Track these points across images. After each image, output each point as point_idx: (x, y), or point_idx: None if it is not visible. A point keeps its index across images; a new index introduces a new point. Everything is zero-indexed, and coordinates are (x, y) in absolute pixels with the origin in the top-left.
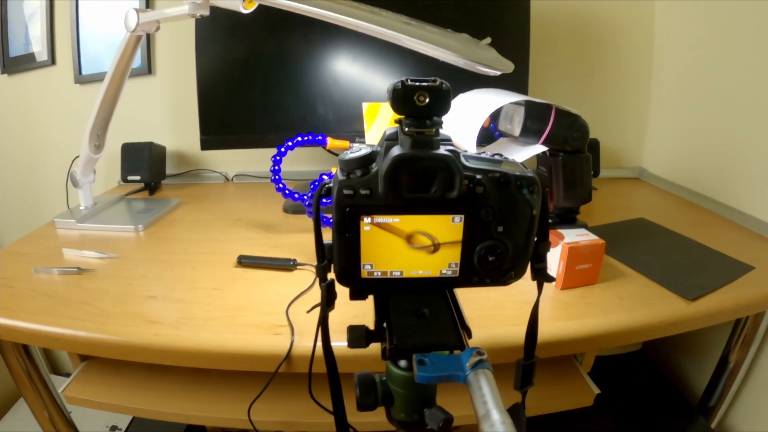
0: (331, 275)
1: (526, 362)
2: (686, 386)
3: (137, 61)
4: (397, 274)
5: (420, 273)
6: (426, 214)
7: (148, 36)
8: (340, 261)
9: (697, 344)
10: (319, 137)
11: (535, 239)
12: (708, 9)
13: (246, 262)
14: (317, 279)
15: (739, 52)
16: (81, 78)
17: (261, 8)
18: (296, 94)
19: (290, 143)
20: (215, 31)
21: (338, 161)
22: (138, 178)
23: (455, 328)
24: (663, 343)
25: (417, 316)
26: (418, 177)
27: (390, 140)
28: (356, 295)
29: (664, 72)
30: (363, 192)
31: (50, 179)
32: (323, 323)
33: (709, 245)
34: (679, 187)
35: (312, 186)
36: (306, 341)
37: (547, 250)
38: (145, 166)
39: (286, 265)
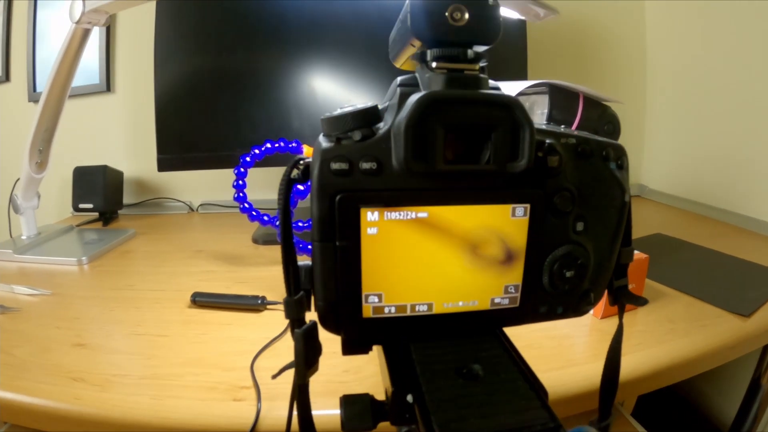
0: (312, 315)
1: (603, 423)
2: (713, 413)
3: (94, 77)
4: (422, 309)
5: (460, 305)
6: (470, 202)
7: (108, 48)
8: (326, 292)
9: (721, 368)
10: (293, 144)
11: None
12: (699, 16)
13: (202, 301)
14: (289, 323)
15: (732, 58)
16: (35, 96)
17: (229, 16)
18: (268, 106)
19: (257, 151)
20: (177, 38)
21: (321, 122)
22: (91, 206)
23: (536, 395)
24: None
25: (465, 377)
26: (461, 136)
27: (406, 86)
28: (354, 346)
29: (658, 86)
30: (365, 166)
31: None
32: (301, 395)
33: (737, 256)
34: (684, 201)
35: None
36: (278, 409)
37: (631, 258)
38: (99, 192)
39: (253, 304)
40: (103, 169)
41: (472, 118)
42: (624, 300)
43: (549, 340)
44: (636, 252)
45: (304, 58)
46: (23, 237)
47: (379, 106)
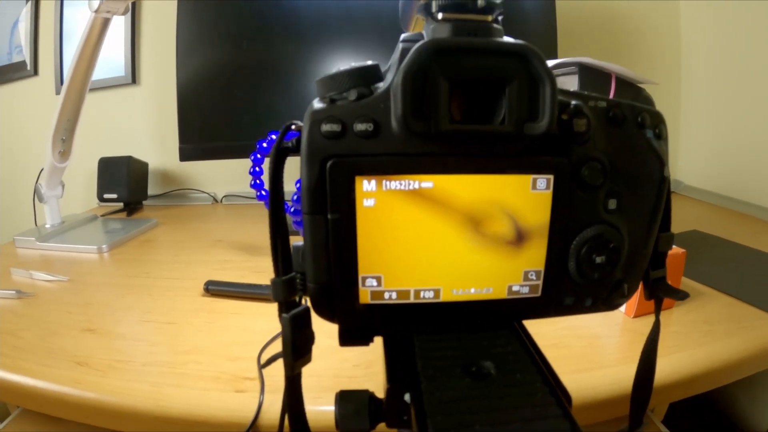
0: (305, 300)
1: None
2: (746, 424)
3: (120, 70)
4: (428, 296)
5: (472, 293)
6: (483, 172)
7: (133, 41)
8: (317, 271)
9: (755, 378)
10: None
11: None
12: (736, 5)
13: (214, 289)
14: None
15: None
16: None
17: (248, 8)
18: (287, 95)
19: (274, 136)
20: (199, 30)
21: (316, 83)
22: (115, 196)
23: (556, 400)
24: None
25: (472, 375)
26: (470, 91)
27: (409, 42)
28: (351, 336)
29: (694, 77)
30: (361, 127)
31: (26, 195)
32: (290, 388)
33: None
34: (722, 197)
35: (297, 186)
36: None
37: (670, 246)
38: (123, 183)
39: (265, 293)
40: (128, 160)
41: (481, 69)
42: (662, 293)
43: (577, 339)
44: (673, 247)
45: (322, 48)
46: (47, 225)
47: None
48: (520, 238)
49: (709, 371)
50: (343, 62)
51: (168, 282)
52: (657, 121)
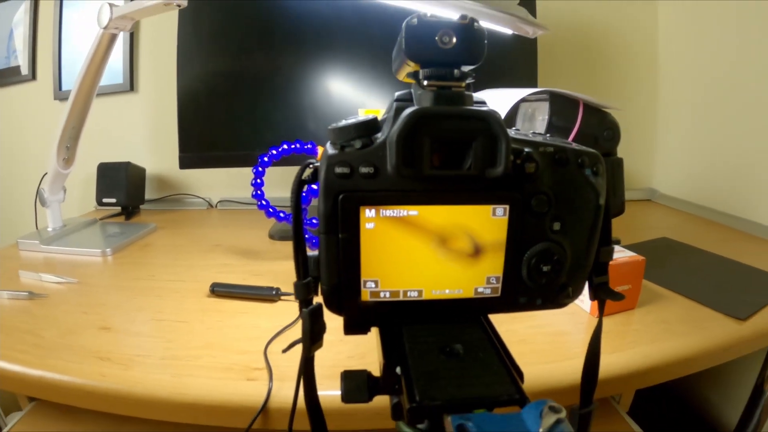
0: (318, 299)
1: (584, 410)
2: (716, 419)
3: (118, 77)
4: (413, 295)
5: (447, 293)
6: (455, 203)
7: (132, 50)
8: (329, 276)
9: (724, 372)
10: (309, 145)
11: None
12: (711, 21)
13: (220, 291)
14: (299, 305)
15: (745, 65)
16: (61, 94)
17: (248, 21)
18: (285, 107)
19: (274, 151)
20: (199, 43)
21: (328, 132)
22: (114, 200)
23: (507, 372)
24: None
25: (446, 354)
26: (445, 145)
27: (401, 101)
28: (354, 326)
29: (670, 88)
30: (364, 170)
31: (24, 198)
32: (306, 367)
33: (741, 261)
34: (695, 206)
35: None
36: (288, 389)
37: (610, 257)
38: (122, 188)
39: (268, 294)
40: (126, 166)
41: (454, 130)
42: (602, 295)
43: (544, 336)
44: (633, 254)
45: (320, 62)
46: (49, 229)
47: (379, 118)
48: (476, 251)
49: (664, 364)
50: (335, 78)
51: (174, 284)
52: (595, 161)
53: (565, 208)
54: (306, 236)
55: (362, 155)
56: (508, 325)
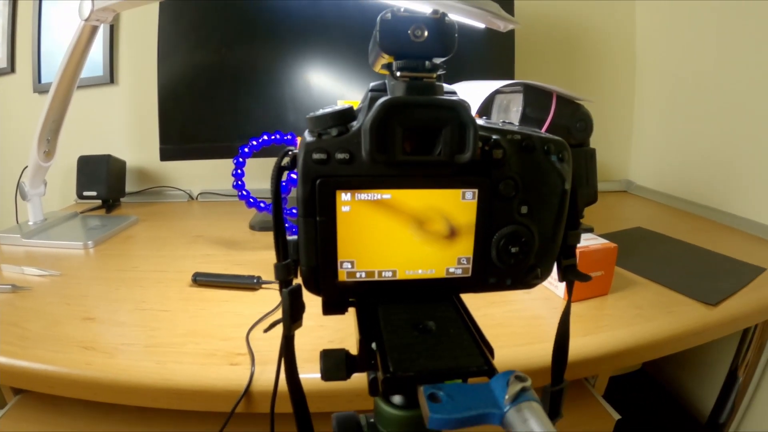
0: (297, 281)
1: (555, 388)
2: (692, 404)
3: (98, 69)
4: (387, 275)
5: (420, 273)
6: (426, 187)
7: (112, 42)
8: (308, 258)
9: (700, 359)
10: (288, 136)
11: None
12: (688, 15)
13: (202, 280)
14: (279, 286)
15: (720, 60)
16: (40, 87)
17: (229, 13)
18: (265, 99)
19: (254, 142)
20: (179, 35)
21: (306, 120)
22: (94, 193)
23: (476, 345)
24: (664, 359)
25: (419, 330)
26: (416, 133)
27: (376, 91)
28: (332, 306)
29: (647, 83)
30: (340, 156)
31: (4, 192)
32: (287, 346)
33: (713, 250)
34: (669, 197)
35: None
36: (270, 372)
37: (578, 241)
38: (103, 181)
39: (249, 283)
40: (107, 158)
41: (425, 119)
42: (571, 277)
43: (519, 320)
44: (606, 242)
45: (300, 54)
46: (30, 223)
47: (355, 108)
48: (452, 233)
49: (636, 346)
50: (314, 71)
51: (156, 275)
52: (560, 148)
53: (532, 193)
54: (286, 225)
55: (338, 142)
56: (486, 309)
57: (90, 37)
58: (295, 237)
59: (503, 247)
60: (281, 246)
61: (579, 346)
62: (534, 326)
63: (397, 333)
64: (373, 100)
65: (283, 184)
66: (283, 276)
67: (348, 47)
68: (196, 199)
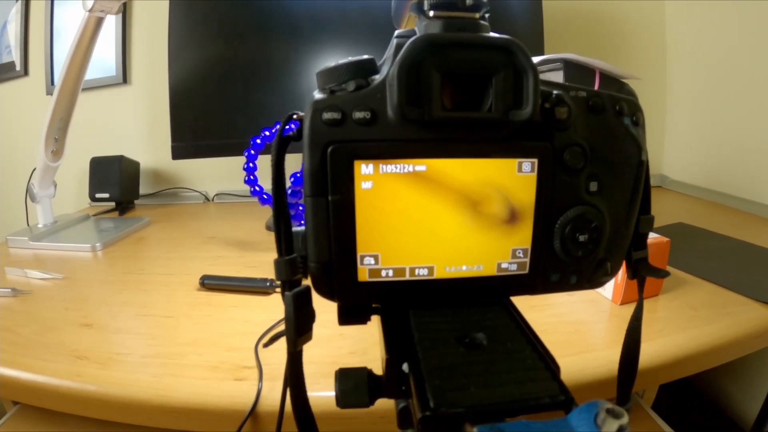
0: (306, 281)
1: (622, 408)
2: (735, 412)
3: (111, 69)
4: (422, 273)
5: (464, 270)
6: (471, 156)
7: (124, 41)
8: (318, 251)
9: (743, 363)
10: None
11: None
12: (719, 4)
13: (211, 283)
14: (281, 288)
15: (757, 43)
16: (53, 89)
17: (240, 6)
18: (279, 93)
19: (267, 133)
20: (190, 29)
21: (316, 76)
22: (107, 195)
23: (545, 365)
24: None
25: (467, 346)
26: (459, 82)
27: (403, 38)
28: (350, 314)
29: (678, 72)
30: (359, 115)
31: (16, 195)
32: (292, 364)
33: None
34: (707, 191)
35: (292, 180)
36: (280, 389)
37: (651, 228)
38: (116, 182)
39: (261, 286)
40: (119, 159)
41: (469, 62)
42: (644, 273)
43: (565, 326)
44: (657, 236)
45: (314, 46)
46: (39, 225)
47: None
48: (513, 217)
49: (694, 355)
50: (334, 60)
51: (163, 278)
52: (634, 110)
53: (602, 165)
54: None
55: (356, 98)
56: (526, 314)
57: (95, 30)
58: (302, 228)
59: (569, 235)
60: (284, 236)
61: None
62: (581, 332)
63: (437, 350)
64: (400, 48)
65: (299, 176)
66: (287, 275)
67: (367, 37)
68: (213, 200)
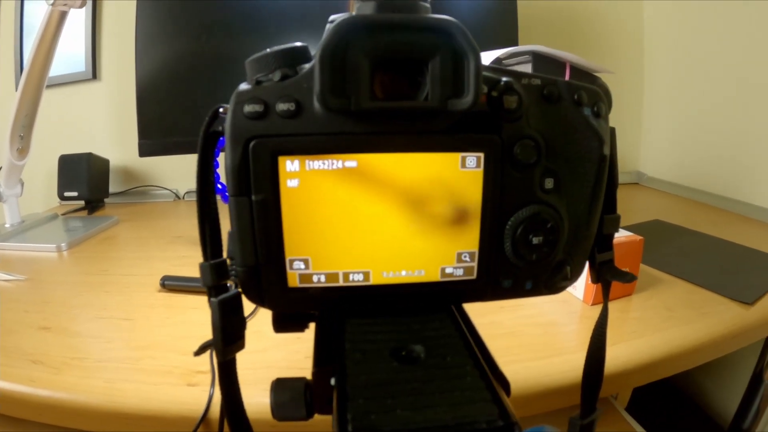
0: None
1: (585, 420)
2: (713, 409)
3: (80, 65)
4: (357, 279)
5: (403, 275)
6: (408, 150)
7: (94, 36)
8: (244, 254)
9: (722, 361)
10: None
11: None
12: (697, 2)
13: (171, 284)
14: (207, 293)
15: (734, 41)
16: None
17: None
18: None
19: None
20: (157, 22)
21: (245, 66)
22: (75, 194)
23: (486, 384)
24: None
25: (401, 360)
26: (391, 68)
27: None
28: (285, 321)
29: (656, 70)
30: (282, 107)
31: None
32: (223, 375)
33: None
34: (683, 188)
35: None
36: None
37: (616, 228)
38: (84, 180)
39: None
40: (88, 157)
41: (402, 45)
42: (609, 276)
43: (533, 328)
44: (630, 234)
45: (281, 42)
46: (6, 225)
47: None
48: (460, 218)
49: (670, 356)
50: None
51: (125, 278)
52: (595, 99)
53: (559, 159)
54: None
55: (280, 88)
56: (492, 316)
57: (59, 24)
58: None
59: (521, 237)
60: (209, 238)
61: (610, 356)
62: (550, 335)
63: (367, 363)
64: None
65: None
66: (213, 280)
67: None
68: (183, 198)
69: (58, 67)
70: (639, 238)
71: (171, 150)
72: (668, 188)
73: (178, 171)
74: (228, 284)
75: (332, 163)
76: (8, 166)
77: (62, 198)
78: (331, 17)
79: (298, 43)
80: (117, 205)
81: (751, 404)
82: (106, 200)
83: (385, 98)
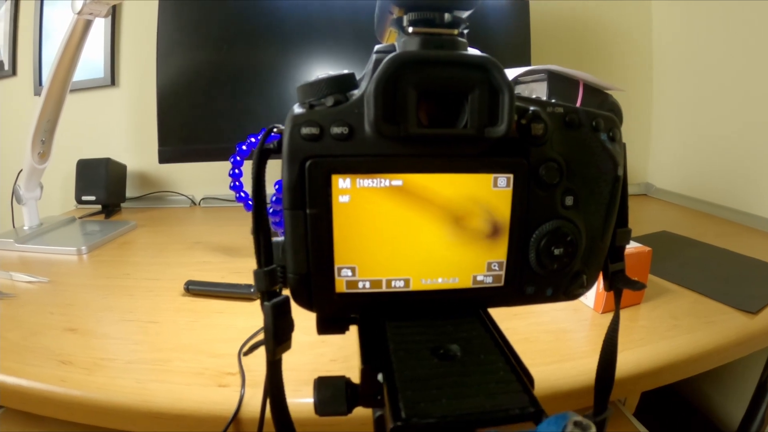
0: (285, 291)
1: (598, 418)
2: (719, 418)
3: (99, 71)
4: (399, 285)
5: (439, 282)
6: (447, 171)
7: (113, 43)
8: (296, 263)
9: (727, 370)
10: None
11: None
12: (706, 12)
13: (195, 289)
14: (260, 298)
15: (742, 54)
16: (40, 90)
17: (229, 11)
18: (267, 98)
19: (253, 139)
20: (179, 32)
21: (297, 91)
22: (93, 198)
23: (517, 378)
24: None
25: (440, 357)
26: (435, 99)
27: (382, 53)
28: (329, 324)
29: (665, 81)
30: (336, 131)
31: (2, 196)
32: (272, 373)
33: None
34: (692, 200)
35: (277, 187)
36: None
37: (627, 241)
38: (102, 185)
39: (245, 292)
40: (106, 162)
41: (445, 79)
42: (620, 285)
43: (546, 334)
44: (639, 245)
45: (302, 52)
46: (25, 227)
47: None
48: (495, 231)
49: (674, 362)
50: (322, 68)
51: (148, 283)
52: (611, 125)
53: (578, 180)
54: (275, 221)
55: (334, 113)
56: (508, 322)
57: (84, 32)
58: (281, 239)
59: (545, 248)
60: (263, 247)
61: (618, 362)
62: (562, 341)
63: (411, 360)
64: (378, 63)
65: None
66: (266, 286)
67: (355, 45)
68: (199, 204)
69: (77, 73)
70: (647, 249)
71: (190, 157)
72: (676, 199)
73: (194, 177)
74: (276, 289)
75: (380, 182)
76: (29, 169)
77: (80, 202)
78: (376, 47)
79: (346, 71)
80: (133, 210)
81: (756, 412)
82: (122, 205)
83: (429, 125)
